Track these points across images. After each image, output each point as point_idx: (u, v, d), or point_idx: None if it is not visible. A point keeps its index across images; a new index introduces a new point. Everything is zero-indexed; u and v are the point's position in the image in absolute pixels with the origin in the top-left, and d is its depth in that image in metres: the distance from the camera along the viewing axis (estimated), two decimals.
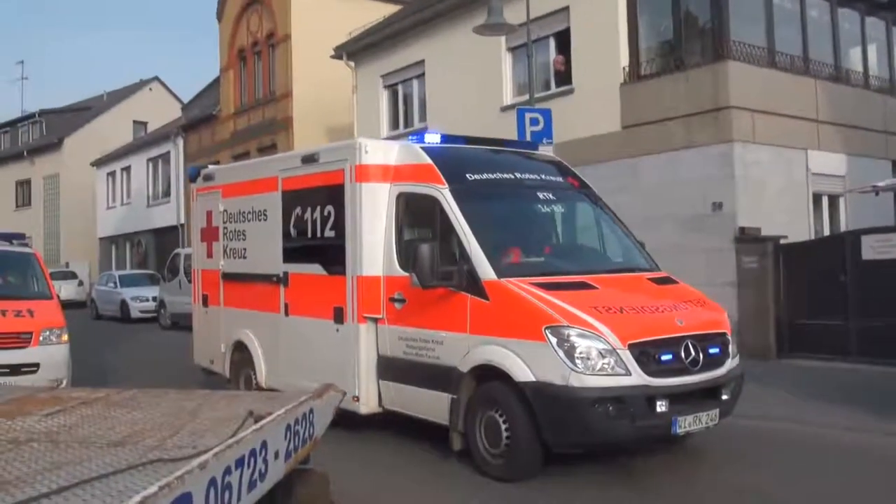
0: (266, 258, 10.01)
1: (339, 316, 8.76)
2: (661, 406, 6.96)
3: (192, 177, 11.76)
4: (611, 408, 6.80)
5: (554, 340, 6.86)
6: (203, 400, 4.88)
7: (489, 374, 7.41)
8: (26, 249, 11.92)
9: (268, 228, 9.98)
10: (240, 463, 3.30)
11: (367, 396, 8.50)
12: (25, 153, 47.98)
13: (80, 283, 36.88)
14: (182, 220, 34.32)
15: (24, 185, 48.66)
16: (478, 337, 7.45)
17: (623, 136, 16.01)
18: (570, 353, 6.81)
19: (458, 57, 19.55)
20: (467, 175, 8.27)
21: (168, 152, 36.02)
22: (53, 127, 48.66)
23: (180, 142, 34.64)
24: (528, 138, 13.08)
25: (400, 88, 21.91)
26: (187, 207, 32.53)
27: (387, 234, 8.46)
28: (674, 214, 15.14)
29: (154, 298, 24.93)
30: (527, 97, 14.93)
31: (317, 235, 9.18)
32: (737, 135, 14.43)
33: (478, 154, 8.93)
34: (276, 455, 3.76)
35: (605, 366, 6.81)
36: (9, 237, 12.54)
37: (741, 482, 6.77)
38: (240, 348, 10.47)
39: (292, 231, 9.56)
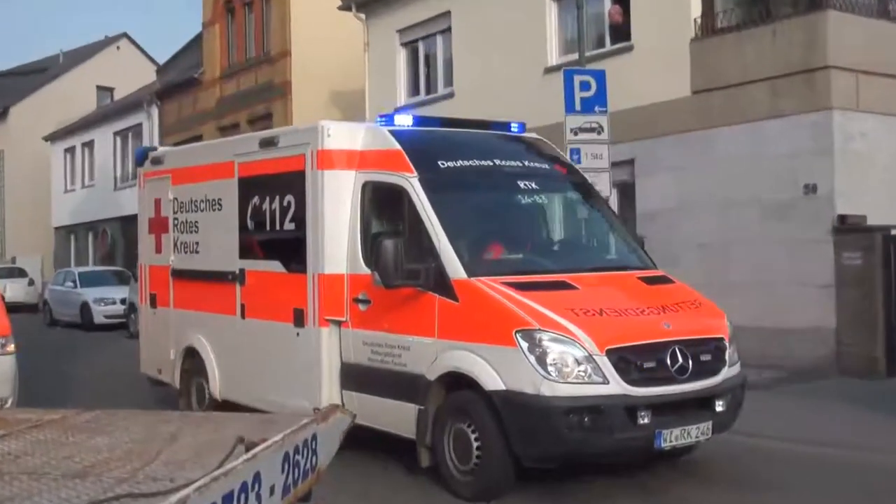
0: (220, 253, 10.44)
1: (299, 319, 9.17)
2: (642, 417, 7.39)
3: (138, 159, 12.18)
4: (586, 418, 7.23)
5: (525, 345, 7.31)
6: (182, 422, 4.84)
7: (459, 383, 7.88)
8: None
9: (222, 220, 10.40)
10: (228, 499, 3.23)
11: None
12: None
13: (31, 283, 36.44)
14: None
15: None
16: (446, 342, 7.89)
17: (693, 103, 15.76)
18: (541, 359, 7.29)
19: (491, 7, 19.14)
20: (439, 162, 8.74)
21: (140, 124, 35.78)
22: None
23: (155, 111, 34.50)
24: (578, 106, 13.25)
25: (420, 46, 21.63)
26: None
27: (351, 228, 8.93)
28: (755, 199, 14.91)
29: (123, 301, 24.43)
30: (576, 56, 14.67)
31: (276, 228, 9.64)
32: (836, 101, 14.15)
33: (453, 138, 9.43)
34: (272, 490, 3.69)
35: (581, 373, 7.28)
36: None
37: None
38: (191, 355, 10.86)
39: (249, 223, 10.03)
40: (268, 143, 9.82)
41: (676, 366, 7.62)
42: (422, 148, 8.87)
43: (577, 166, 11.43)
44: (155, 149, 12.54)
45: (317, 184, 9.04)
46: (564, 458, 7.71)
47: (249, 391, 10.12)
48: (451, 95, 20.18)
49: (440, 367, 7.96)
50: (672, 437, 7.58)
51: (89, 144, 39.93)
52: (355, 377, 8.89)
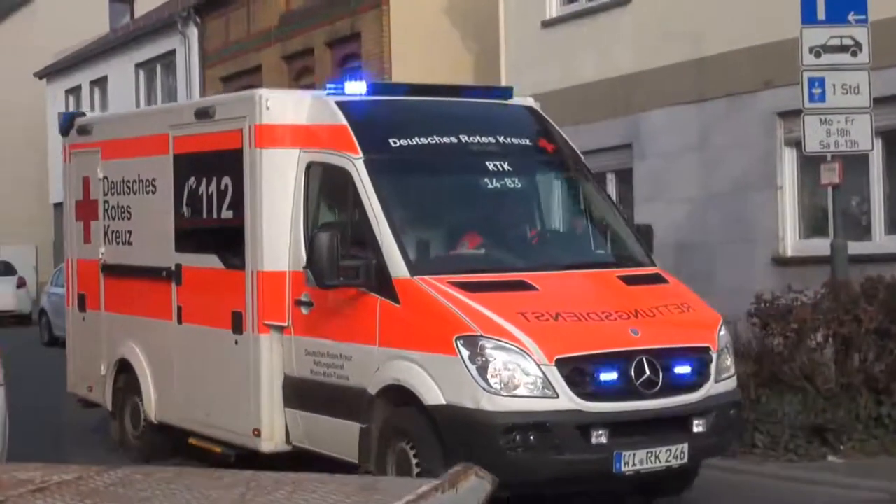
0: (155, 245, 11.82)
1: (237, 324, 10.54)
2: (598, 437, 8.57)
3: (62, 128, 13.50)
4: (531, 437, 8.46)
5: (466, 354, 8.55)
6: (246, 487, 4.88)
7: (403, 398, 8.95)
8: None
9: (156, 204, 11.77)
10: None
11: (271, 430, 10.28)
12: None
13: (21, 284, 35.01)
14: None
15: None
16: (388, 350, 9.07)
17: None
18: (483, 369, 8.49)
19: None
20: (391, 140, 9.88)
21: (171, 52, 35.19)
22: None
23: (193, 34, 33.82)
24: (821, 13, 12.62)
25: None
26: None
27: (294, 216, 10.07)
28: None
29: None
30: None
31: (212, 217, 10.89)
32: None
33: (413, 110, 10.60)
34: None
35: (527, 386, 8.53)
36: None
37: None
38: (125, 369, 12.27)
39: (185, 210, 11.31)
40: (203, 115, 11.11)
41: (643, 378, 8.82)
42: (372, 123, 10.11)
43: (819, 105, 11.50)
44: (83, 114, 13.98)
45: (255, 164, 10.26)
46: (510, 482, 7.19)
47: (186, 412, 11.47)
48: (625, 2, 19.67)
49: (382, 380, 9.14)
50: (635, 461, 8.73)
51: (100, 82, 39.29)
52: (298, 393, 10.10)
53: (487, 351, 8.58)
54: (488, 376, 8.53)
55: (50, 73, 40.46)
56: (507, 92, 11.56)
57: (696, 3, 17.96)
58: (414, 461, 8.83)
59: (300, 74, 28.65)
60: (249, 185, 10.34)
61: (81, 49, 39.24)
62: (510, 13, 21.51)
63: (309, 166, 10.17)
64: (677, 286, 10.08)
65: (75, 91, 39.41)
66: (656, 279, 10.08)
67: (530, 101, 11.52)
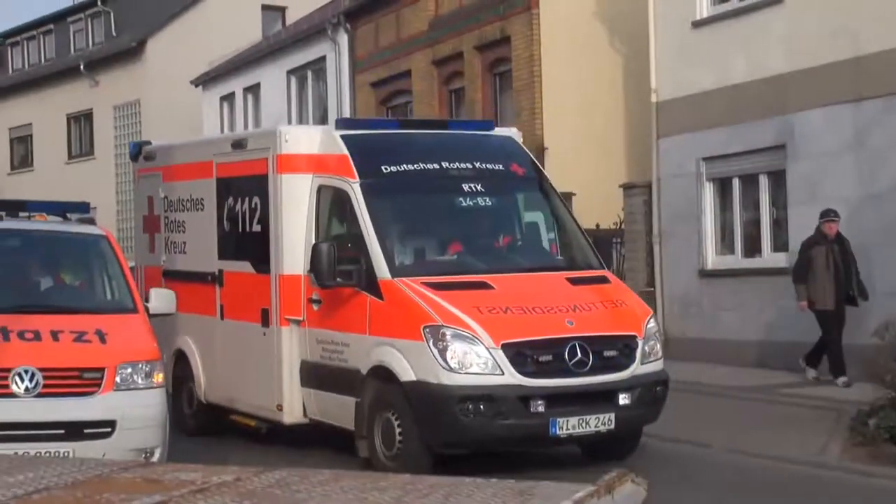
0: (203, 254, 14.12)
1: (265, 318, 12.85)
2: (536, 406, 11.02)
3: (132, 155, 16.07)
4: (481, 406, 10.91)
5: (430, 340, 11.00)
6: (403, 491, 4.86)
7: (387, 376, 11.32)
8: (92, 230, 12.13)
9: (204, 220, 14.06)
10: None
11: (291, 405, 12.60)
12: (82, 67, 45.59)
13: None
14: None
15: (81, 122, 47.54)
16: (375, 338, 11.51)
17: None
18: (443, 352, 10.94)
19: None
20: (383, 167, 12.34)
21: (322, 58, 35.37)
22: (128, 21, 45.92)
23: (343, 40, 33.90)
24: None
25: None
26: None
27: (308, 229, 12.46)
28: None
29: None
30: None
31: (246, 230, 13.26)
32: None
33: (403, 141, 13.09)
34: None
35: (479, 365, 10.99)
36: (61, 209, 12.78)
37: None
38: (181, 359, 14.57)
39: (226, 224, 13.66)
40: (238, 145, 13.67)
41: (574, 360, 11.18)
42: (368, 153, 12.41)
43: None
44: (149, 143, 16.33)
45: (276, 187, 12.65)
46: (465, 443, 11.27)
47: (227, 393, 13.73)
48: (777, 1, 19.19)
49: (371, 362, 11.48)
50: (568, 426, 11.14)
51: (253, 89, 39.44)
52: (312, 374, 12.43)
53: (447, 337, 11.04)
54: (447, 357, 10.99)
55: (205, 80, 40.95)
56: (488, 125, 14.36)
57: (852, 1, 17.84)
58: (397, 429, 11.26)
59: (449, 79, 28.81)
60: (272, 204, 12.77)
61: (235, 57, 39.68)
62: (660, 14, 21.47)
63: (319, 188, 12.58)
64: (617, 285, 12.62)
65: (229, 98, 39.89)
66: (600, 280, 12.39)
67: (513, 132, 14.01)
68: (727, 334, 19.55)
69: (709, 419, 14.79)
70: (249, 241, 13.30)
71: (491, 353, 10.99)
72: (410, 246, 12.47)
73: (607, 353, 11.46)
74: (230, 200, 13.66)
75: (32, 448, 9.66)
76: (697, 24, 20.58)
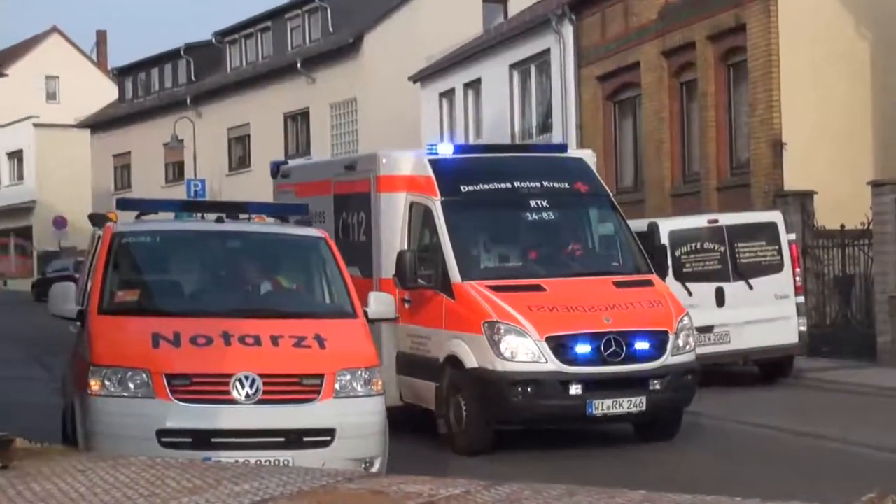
0: None
1: None
2: (574, 389, 13.74)
3: (273, 172, 18.94)
4: (528, 389, 13.65)
5: (488, 333, 13.77)
6: None
7: (457, 364, 14.05)
8: (311, 232, 12.41)
9: (326, 231, 14.88)
10: None
11: (390, 391, 13.67)
12: (299, 65, 46.93)
13: None
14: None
15: (297, 121, 48.75)
16: (449, 332, 14.19)
17: None
18: (497, 343, 13.72)
19: None
20: (461, 187, 15.12)
21: (546, 51, 35.00)
22: (345, 17, 46.64)
23: (568, 31, 33.53)
24: None
25: None
26: (582, 142, 31.50)
27: (401, 240, 15.23)
28: None
29: None
30: None
31: (356, 240, 16.02)
32: None
33: (482, 164, 16.09)
34: None
35: (526, 354, 13.75)
36: (282, 211, 13.29)
37: None
38: None
39: (341, 235, 16.02)
40: (350, 167, 16.80)
41: (609, 351, 13.84)
42: (450, 174, 15.18)
43: None
44: (286, 163, 19.96)
45: (377, 203, 15.56)
46: (515, 420, 14.18)
47: None
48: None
49: (445, 352, 14.20)
50: (603, 407, 13.83)
51: (474, 85, 38.99)
52: (404, 363, 15.17)
53: (501, 331, 13.84)
54: (501, 348, 13.79)
55: (423, 76, 41.29)
56: (562, 147, 17.64)
57: None
58: (464, 408, 13.93)
59: (680, 70, 28.45)
60: (374, 218, 15.48)
61: (455, 51, 39.85)
62: None
63: (411, 205, 15.39)
64: (658, 288, 14.99)
65: (448, 94, 39.98)
66: (644, 283, 14.94)
67: (586, 154, 16.92)
68: None
69: None
70: (358, 250, 15.62)
71: (537, 345, 13.78)
72: (480, 254, 15.34)
73: (639, 346, 14.08)
74: (344, 214, 16.52)
75: (253, 456, 9.93)
76: None
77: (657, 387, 14.02)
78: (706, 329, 18.85)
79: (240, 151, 53.11)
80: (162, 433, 10.10)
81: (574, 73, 32.88)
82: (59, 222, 63.10)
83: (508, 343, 13.79)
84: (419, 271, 14.32)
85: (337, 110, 46.47)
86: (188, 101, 55.32)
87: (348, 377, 10.55)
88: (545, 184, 15.55)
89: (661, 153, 29.04)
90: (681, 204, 27.41)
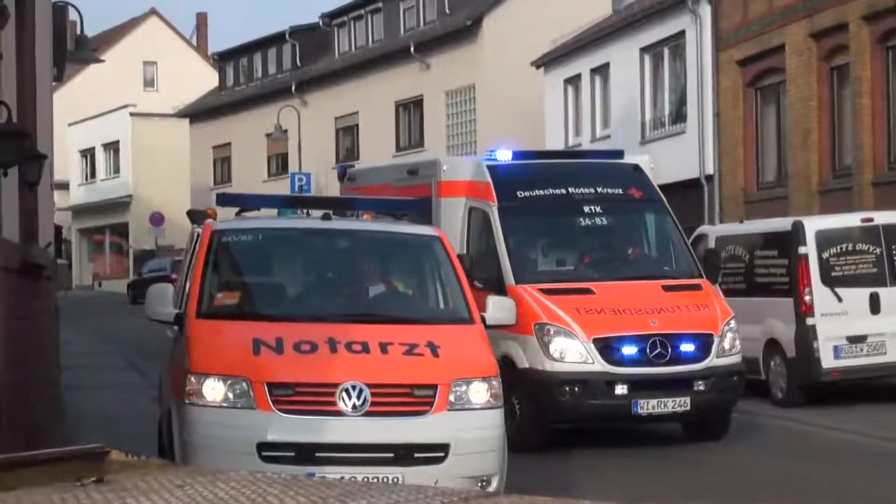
0: None
1: None
2: (620, 389, 15.43)
3: (340, 176, 21.64)
4: (576, 388, 15.41)
5: (538, 334, 15.49)
6: None
7: (510, 363, 15.27)
8: (426, 230, 12.48)
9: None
10: None
11: None
12: (412, 49, 47.46)
13: None
14: (710, 169, 33.62)
15: (410, 110, 49.64)
16: (504, 333, 13.87)
17: None
18: (547, 344, 15.48)
19: None
20: (518, 193, 17.02)
21: (681, 33, 35.14)
22: None
23: (706, 12, 33.72)
24: None
25: None
26: (720, 133, 32.37)
27: (460, 244, 16.32)
28: None
29: None
30: None
31: None
32: None
33: (538, 170, 17.97)
34: None
35: (574, 355, 15.50)
36: (394, 207, 13.45)
37: None
38: None
39: None
40: (412, 172, 18.92)
41: (655, 352, 15.50)
42: (507, 181, 17.12)
43: None
44: (352, 166, 22.50)
45: (438, 207, 17.31)
46: (564, 419, 15.91)
47: None
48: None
49: (500, 352, 14.28)
50: (649, 406, 15.50)
51: (602, 70, 39.01)
52: None
53: (550, 333, 15.57)
54: (550, 349, 15.52)
55: (547, 61, 41.22)
56: (618, 154, 19.10)
57: None
58: (517, 407, 15.35)
59: (830, 54, 28.11)
60: (434, 222, 15.70)
61: (581, 34, 39.69)
62: None
63: (470, 210, 17.29)
64: (707, 292, 16.57)
65: (574, 80, 39.88)
66: (692, 287, 16.55)
67: (643, 160, 18.41)
68: None
69: None
70: None
71: (584, 346, 15.45)
72: (534, 258, 17.17)
73: (684, 347, 15.64)
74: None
75: (360, 472, 9.93)
76: None
77: (701, 387, 15.56)
78: (858, 339, 18.66)
79: (348, 143, 53.58)
80: (263, 446, 10.15)
81: (712, 56, 32.96)
82: (157, 219, 63.86)
83: (557, 344, 15.49)
84: (476, 274, 15.01)
85: (453, 98, 46.66)
86: (293, 88, 56.21)
87: (464, 388, 10.48)
88: (599, 190, 17.38)
89: (808, 144, 28.65)
90: (829, 201, 27.04)
